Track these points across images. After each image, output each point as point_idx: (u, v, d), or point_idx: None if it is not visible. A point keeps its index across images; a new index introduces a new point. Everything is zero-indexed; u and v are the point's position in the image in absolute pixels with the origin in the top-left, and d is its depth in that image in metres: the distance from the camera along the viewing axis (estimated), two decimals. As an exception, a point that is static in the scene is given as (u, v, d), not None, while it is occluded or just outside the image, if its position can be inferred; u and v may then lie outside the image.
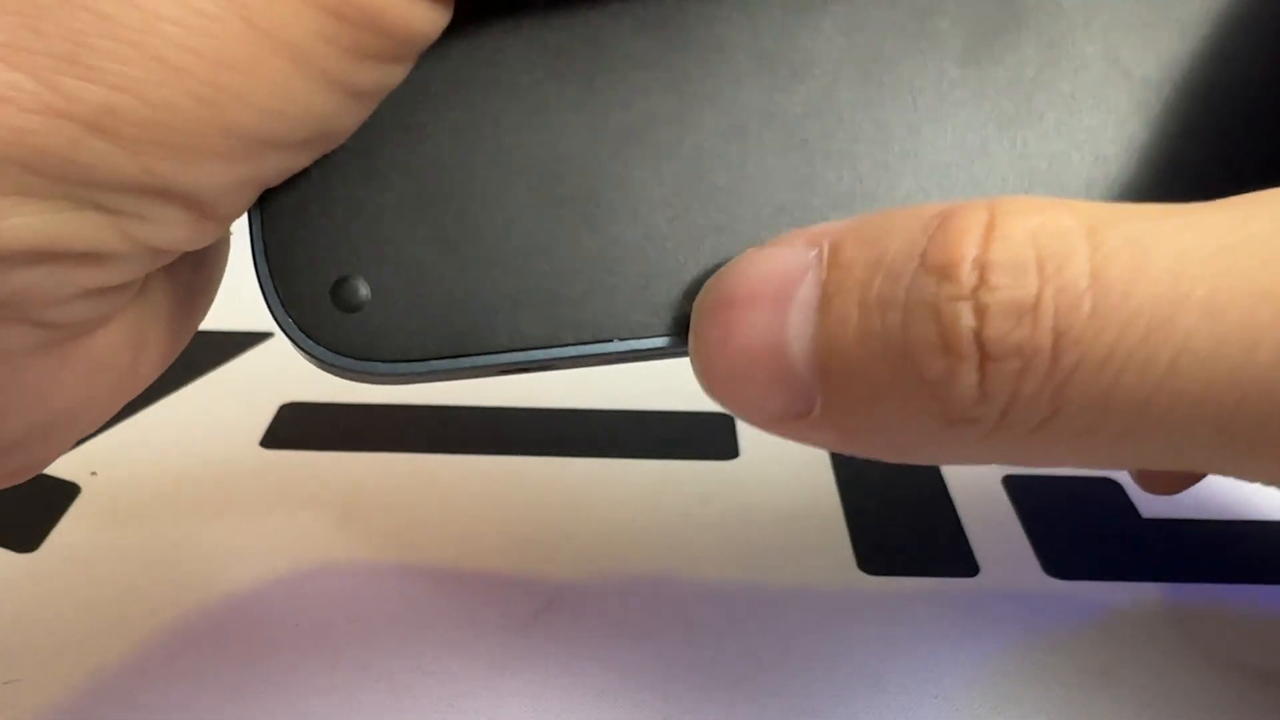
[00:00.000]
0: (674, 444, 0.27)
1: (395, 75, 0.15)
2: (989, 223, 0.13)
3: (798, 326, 0.14)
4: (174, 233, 0.15)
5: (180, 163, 0.14)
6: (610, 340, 0.16)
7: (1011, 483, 0.27)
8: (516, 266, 0.16)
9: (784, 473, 0.27)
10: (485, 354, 0.16)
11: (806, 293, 0.14)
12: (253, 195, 0.16)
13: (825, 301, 0.14)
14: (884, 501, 0.26)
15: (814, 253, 0.15)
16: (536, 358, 0.16)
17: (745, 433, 0.28)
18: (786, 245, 0.15)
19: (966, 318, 0.13)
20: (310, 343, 0.16)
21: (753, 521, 0.25)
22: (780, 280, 0.15)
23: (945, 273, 0.13)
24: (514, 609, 0.22)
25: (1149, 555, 0.23)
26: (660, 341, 0.16)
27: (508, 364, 0.16)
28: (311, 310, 0.16)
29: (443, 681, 0.21)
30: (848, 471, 0.27)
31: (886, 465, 0.27)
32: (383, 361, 0.16)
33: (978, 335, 0.13)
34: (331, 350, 0.16)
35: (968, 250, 0.13)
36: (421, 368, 0.16)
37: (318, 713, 0.20)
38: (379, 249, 0.17)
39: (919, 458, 0.15)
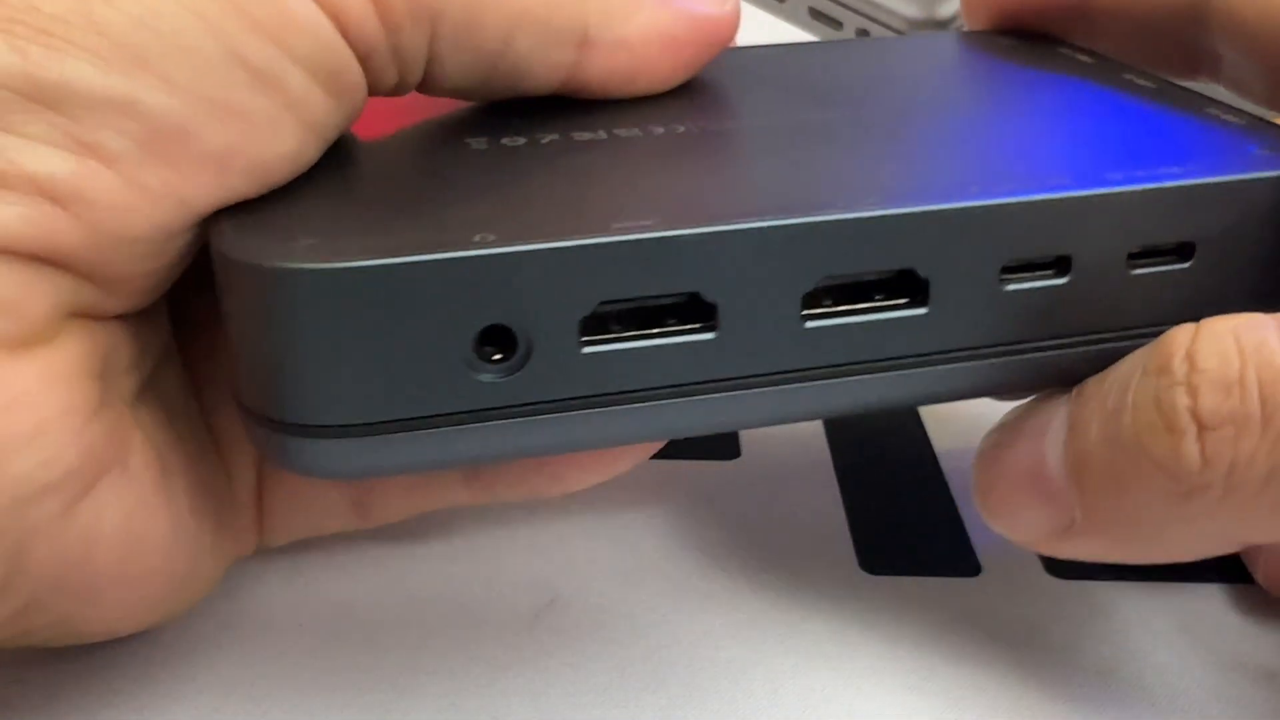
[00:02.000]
0: (674, 444, 0.27)
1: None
2: (1196, 328, 0.16)
3: (1053, 448, 0.17)
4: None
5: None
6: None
7: (1012, 482, 0.27)
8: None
9: (784, 473, 0.27)
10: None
11: (1059, 422, 0.18)
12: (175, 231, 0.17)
13: (1074, 423, 0.17)
14: (884, 501, 0.26)
15: (1064, 397, 0.18)
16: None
17: (745, 433, 0.28)
18: (1050, 395, 0.18)
19: (1182, 398, 0.16)
20: None
21: (753, 521, 0.25)
22: (1040, 419, 0.18)
23: (1162, 370, 0.16)
24: (514, 609, 0.22)
25: (1149, 555, 0.23)
26: None
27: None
28: None
29: (443, 681, 0.21)
30: (848, 471, 0.27)
31: (887, 464, 0.27)
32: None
33: (1193, 411, 0.15)
34: None
35: (1179, 348, 0.16)
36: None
37: (318, 712, 0.20)
38: None
39: (1174, 544, 0.17)
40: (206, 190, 0.16)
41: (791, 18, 0.41)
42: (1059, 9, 0.24)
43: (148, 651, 0.21)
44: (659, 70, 0.20)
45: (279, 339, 0.16)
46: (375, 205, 0.17)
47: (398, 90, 0.19)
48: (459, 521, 0.24)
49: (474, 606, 0.22)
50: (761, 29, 0.40)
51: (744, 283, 0.16)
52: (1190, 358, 0.16)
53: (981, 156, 0.19)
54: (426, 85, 0.19)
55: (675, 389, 0.17)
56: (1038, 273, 0.18)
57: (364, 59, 0.17)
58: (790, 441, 0.28)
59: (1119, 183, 0.17)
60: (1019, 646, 0.22)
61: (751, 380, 0.17)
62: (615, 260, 0.16)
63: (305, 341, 0.15)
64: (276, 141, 0.17)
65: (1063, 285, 0.18)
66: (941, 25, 0.40)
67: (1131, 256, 0.18)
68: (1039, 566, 0.24)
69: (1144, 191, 0.17)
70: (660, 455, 0.27)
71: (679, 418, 0.17)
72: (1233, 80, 0.22)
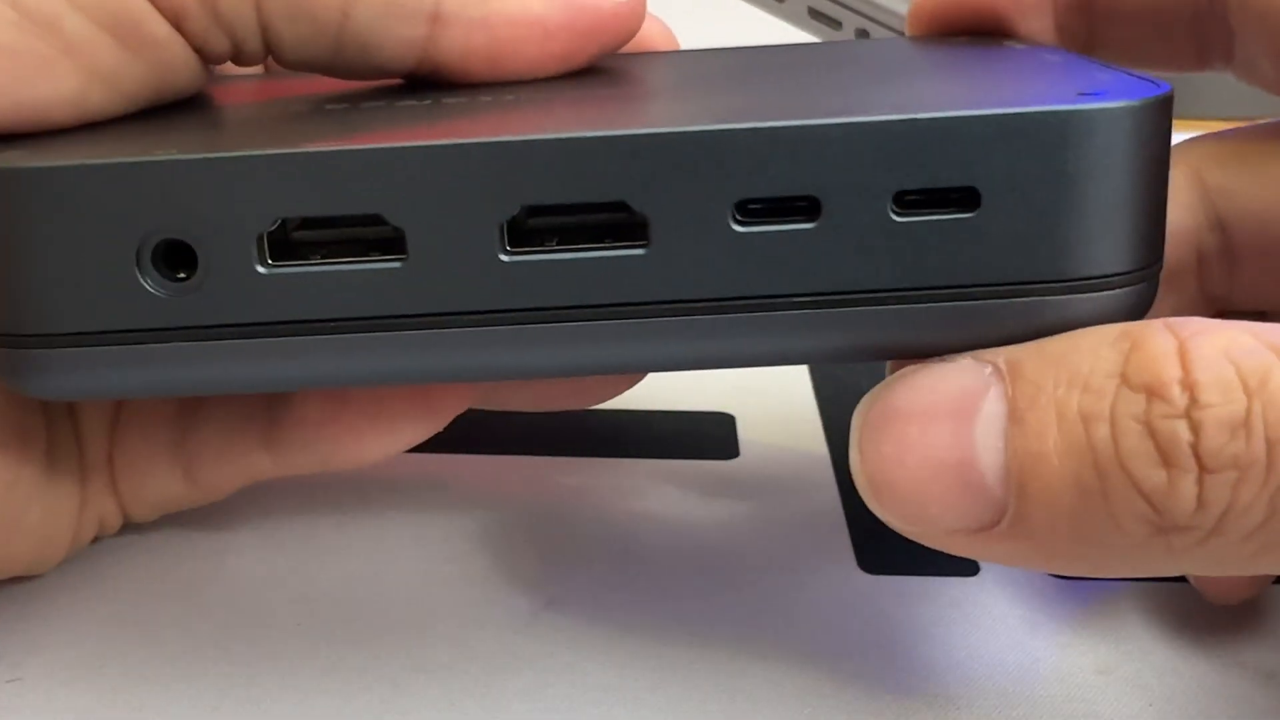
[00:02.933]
0: (674, 444, 0.27)
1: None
2: (1180, 346, 0.14)
3: (986, 437, 0.15)
4: None
5: None
6: None
7: (1012, 482, 0.27)
8: None
9: (784, 473, 0.27)
10: None
11: (992, 407, 0.15)
12: None
13: (1018, 415, 0.15)
14: (884, 501, 0.26)
15: (988, 370, 0.15)
16: None
17: (745, 433, 0.28)
18: (952, 363, 0.16)
19: (1183, 433, 0.14)
20: None
21: (753, 521, 0.25)
22: (959, 395, 0.15)
23: (1154, 392, 0.14)
24: (514, 609, 0.22)
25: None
26: None
27: None
28: None
29: (443, 681, 0.21)
30: (847, 471, 0.27)
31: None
32: None
33: (1194, 449, 0.14)
34: None
35: (1171, 372, 0.14)
36: None
37: (318, 712, 0.20)
38: None
39: (1111, 565, 0.16)
40: None
41: (791, 18, 0.41)
42: (1029, 6, 0.23)
43: (147, 651, 0.21)
44: (524, 56, 0.19)
45: None
46: (126, 135, 0.17)
47: (240, 60, 0.19)
48: (459, 521, 0.24)
49: (473, 606, 0.22)
50: (761, 29, 0.40)
51: (434, 208, 0.15)
52: (1190, 388, 0.14)
53: (752, 102, 0.18)
54: (272, 56, 0.19)
55: (361, 322, 0.16)
56: (780, 216, 0.16)
57: (175, 19, 0.17)
58: (790, 441, 0.28)
59: (877, 114, 0.15)
60: (1018, 646, 0.22)
61: (444, 319, 0.16)
62: (290, 175, 0.15)
63: (6, 246, 0.16)
64: (47, 83, 0.17)
65: (810, 230, 0.15)
66: (941, 25, 0.40)
67: (899, 202, 0.15)
68: (1038, 566, 0.24)
69: (904, 123, 0.15)
70: (660, 455, 0.27)
71: (366, 357, 0.16)
72: (1244, 66, 0.22)
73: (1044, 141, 0.15)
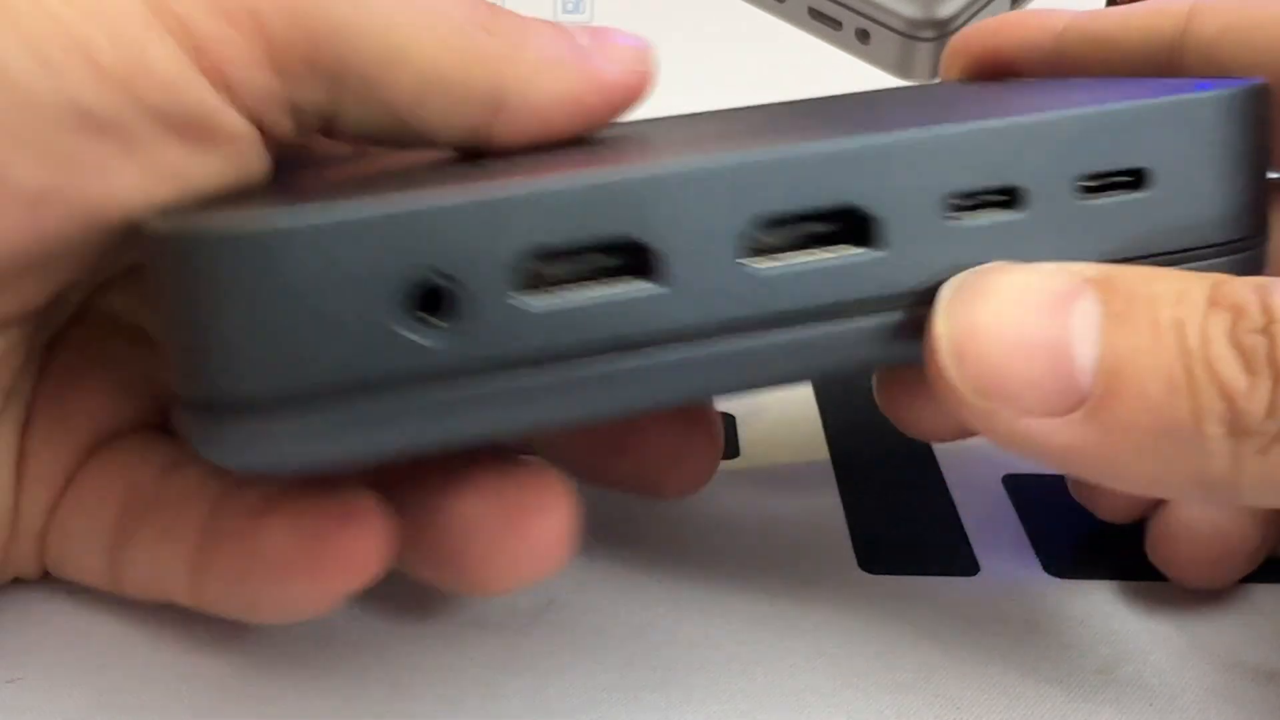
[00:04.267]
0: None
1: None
2: (1256, 284, 0.16)
3: (1082, 328, 0.16)
4: None
5: None
6: None
7: (1011, 482, 0.27)
8: None
9: (783, 472, 0.27)
10: None
11: (1089, 305, 0.16)
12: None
13: (1115, 314, 0.16)
14: (884, 501, 0.26)
15: (1079, 279, 0.17)
16: None
17: (745, 433, 0.28)
18: (1046, 267, 0.17)
19: (1262, 345, 0.16)
20: None
21: (752, 521, 0.25)
22: (1058, 286, 0.17)
23: (1237, 311, 0.16)
24: (514, 609, 0.22)
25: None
26: None
27: None
28: None
29: (442, 681, 0.21)
30: (847, 471, 0.27)
31: (886, 464, 0.27)
32: None
33: (1270, 357, 0.15)
34: None
35: (1251, 299, 0.16)
36: None
37: (317, 712, 0.20)
38: None
39: (1172, 472, 0.16)
40: (18, 225, 0.17)
41: (791, 18, 0.41)
42: (1030, 55, 0.24)
43: (146, 651, 0.21)
44: (561, 131, 0.20)
45: (202, 310, 0.15)
46: (309, 191, 0.17)
47: (295, 137, 0.19)
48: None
49: (473, 606, 0.22)
50: (761, 29, 0.40)
51: (685, 227, 0.16)
52: (1267, 310, 0.16)
53: (925, 113, 0.19)
54: (327, 132, 0.19)
55: (623, 346, 0.16)
56: (989, 206, 0.17)
57: (251, 111, 0.18)
58: (790, 441, 0.28)
59: (1062, 108, 0.17)
60: (1017, 646, 0.22)
61: (701, 333, 0.16)
62: (548, 209, 0.15)
63: (226, 310, 0.15)
64: (109, 185, 0.17)
65: (1020, 220, 0.17)
66: (941, 25, 0.40)
67: (1083, 186, 0.17)
68: (1038, 566, 0.24)
69: (1088, 115, 0.17)
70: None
71: (628, 382, 0.16)
72: None
73: (1203, 123, 0.18)
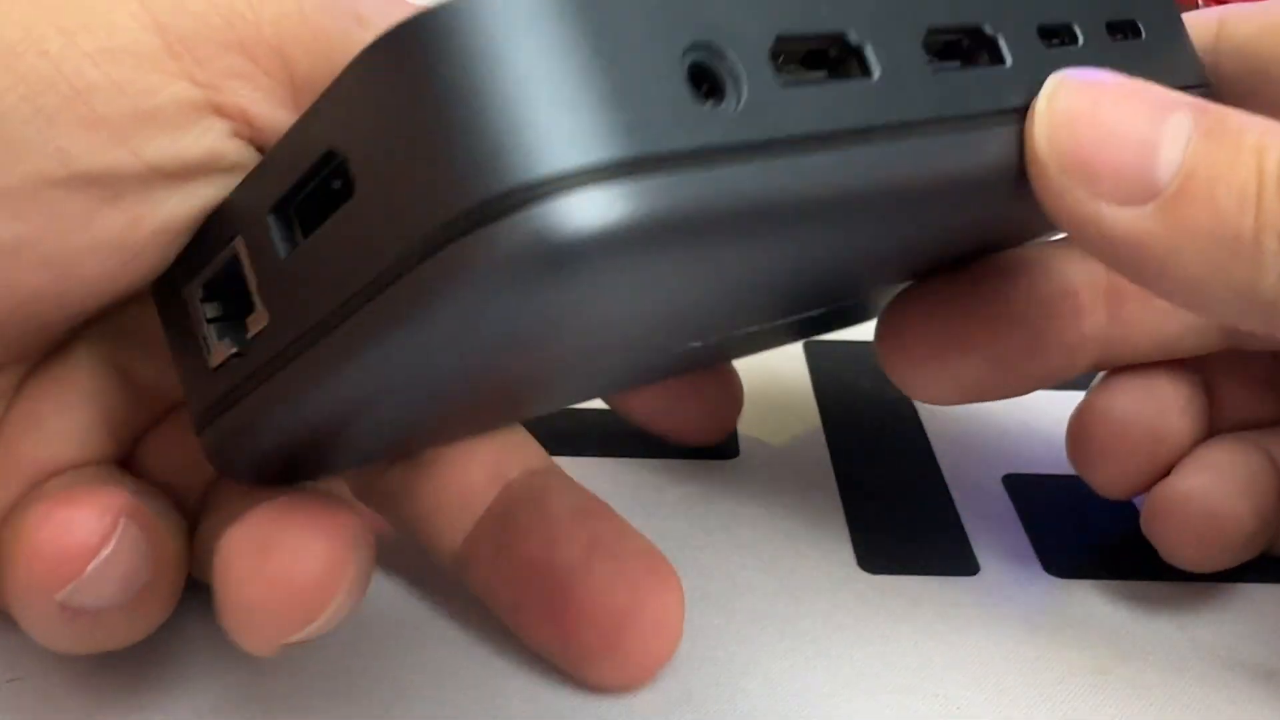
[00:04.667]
0: (674, 443, 0.27)
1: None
2: None
3: (1174, 134, 0.17)
4: None
5: None
6: None
7: (1011, 482, 0.27)
8: None
9: (784, 472, 0.27)
10: None
11: (1182, 117, 0.17)
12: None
13: (1205, 130, 0.17)
14: (884, 501, 0.26)
15: (1180, 99, 0.18)
16: None
17: (745, 432, 0.28)
18: (1146, 83, 0.18)
19: None
20: None
21: (753, 521, 0.25)
22: (1156, 98, 0.18)
23: None
24: (514, 608, 0.22)
25: (1149, 555, 0.23)
26: None
27: None
28: None
29: (442, 681, 0.21)
30: (847, 471, 0.27)
31: (886, 464, 0.27)
32: None
33: None
34: None
35: None
36: None
37: (317, 711, 0.20)
38: None
39: (1222, 282, 0.17)
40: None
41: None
42: None
43: (146, 651, 0.21)
44: None
45: (499, 88, 0.13)
46: None
47: None
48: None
49: (473, 606, 0.22)
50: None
51: (888, 21, 0.16)
52: None
53: None
54: None
55: (845, 136, 0.16)
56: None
57: (266, 142, 0.17)
58: (790, 441, 0.28)
59: None
60: (1017, 645, 0.22)
61: (906, 127, 0.16)
62: None
63: (529, 81, 0.13)
64: (90, 237, 0.16)
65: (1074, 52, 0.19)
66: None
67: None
68: (1038, 566, 0.24)
69: None
70: (660, 454, 0.27)
71: (846, 169, 0.16)
72: None
73: None
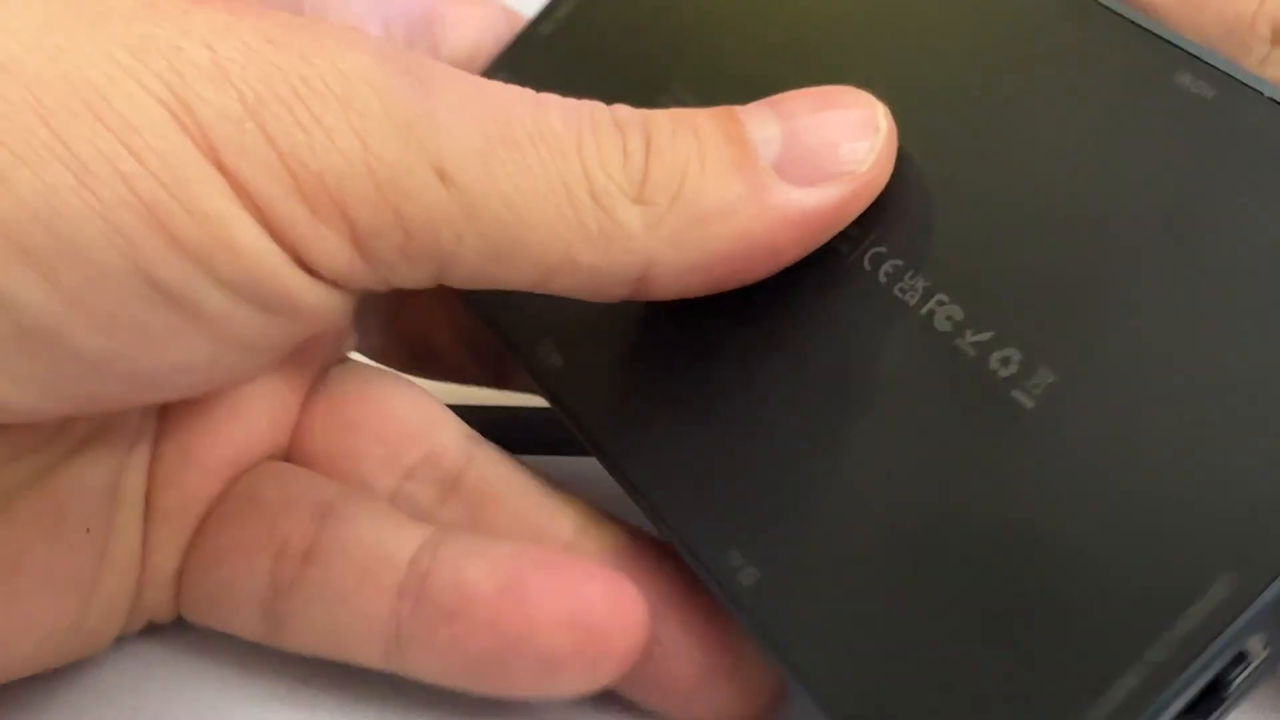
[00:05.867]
0: None
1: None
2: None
3: None
4: None
5: None
6: None
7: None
8: None
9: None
10: None
11: None
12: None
13: None
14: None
15: None
16: None
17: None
18: None
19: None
20: None
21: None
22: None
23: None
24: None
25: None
26: None
27: None
28: None
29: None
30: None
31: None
32: None
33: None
34: None
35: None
36: None
37: (317, 710, 0.20)
38: None
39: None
40: (81, 386, 0.16)
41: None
42: None
43: (146, 651, 0.21)
44: (751, 275, 0.18)
45: None
46: None
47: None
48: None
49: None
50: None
51: None
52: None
53: None
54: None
55: None
56: None
57: (340, 286, 0.17)
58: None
59: None
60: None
61: None
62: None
63: None
64: (174, 354, 0.16)
65: None
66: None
67: None
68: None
69: None
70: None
71: None
72: None
73: None
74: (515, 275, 0.17)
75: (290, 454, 0.21)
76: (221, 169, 0.15)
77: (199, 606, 0.20)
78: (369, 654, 0.19)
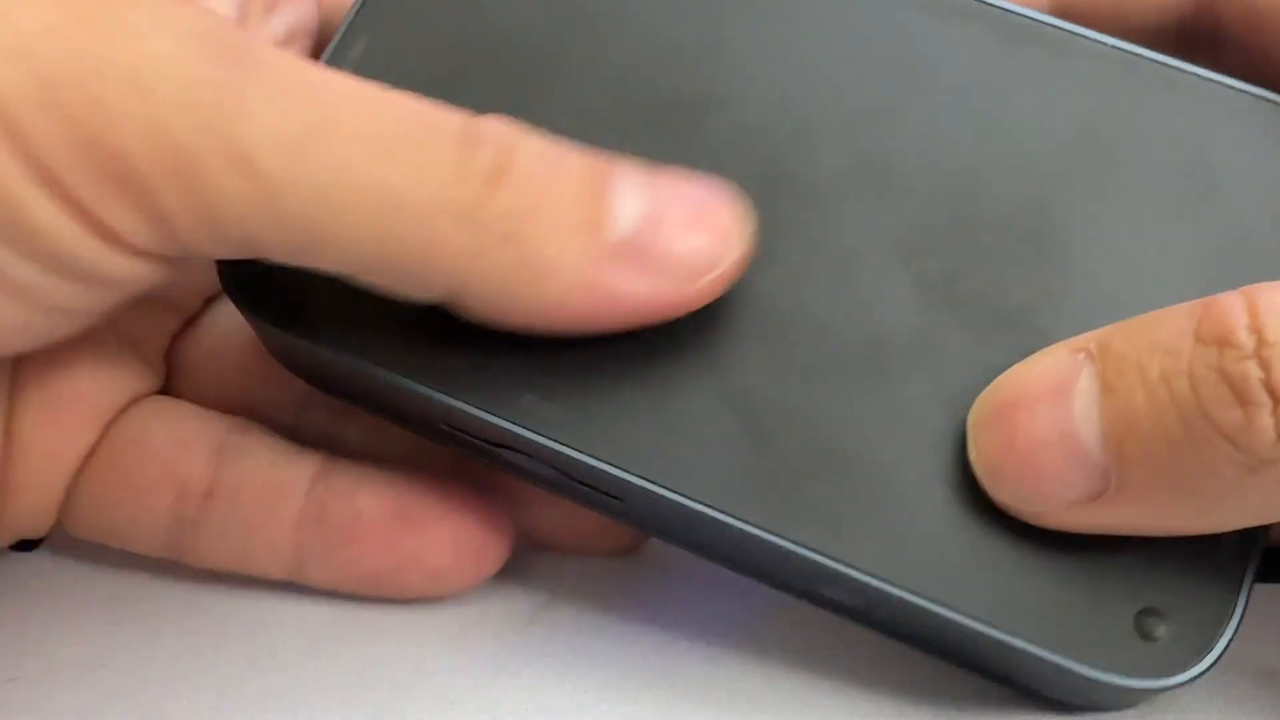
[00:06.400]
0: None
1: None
2: (1248, 299, 0.16)
3: (1084, 411, 0.16)
4: None
5: None
6: None
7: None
8: None
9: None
10: None
11: (1086, 384, 0.16)
12: None
13: (1108, 386, 0.16)
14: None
15: (1080, 355, 0.17)
16: None
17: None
18: (1050, 355, 0.17)
19: (1254, 371, 0.15)
20: None
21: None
22: (1056, 378, 0.17)
23: (1225, 341, 0.15)
24: (514, 608, 0.22)
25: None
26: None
27: None
28: None
29: (442, 681, 0.21)
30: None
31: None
32: None
33: (1266, 384, 0.15)
34: None
35: (1238, 319, 0.15)
36: None
37: (317, 710, 0.20)
38: None
39: (1220, 515, 0.17)
40: None
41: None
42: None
43: (146, 651, 0.21)
44: (561, 329, 0.17)
45: None
46: None
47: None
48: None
49: (472, 605, 0.22)
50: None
51: None
52: (1257, 330, 0.15)
53: None
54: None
55: None
56: None
57: (153, 255, 0.17)
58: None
59: None
60: (1018, 646, 0.22)
61: None
62: None
63: None
64: None
65: None
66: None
67: None
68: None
69: None
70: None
71: None
72: (1239, 68, 0.22)
73: None
74: (327, 266, 0.17)
75: (169, 388, 0.22)
76: (20, 148, 0.15)
77: (92, 533, 0.22)
78: (272, 572, 0.21)
